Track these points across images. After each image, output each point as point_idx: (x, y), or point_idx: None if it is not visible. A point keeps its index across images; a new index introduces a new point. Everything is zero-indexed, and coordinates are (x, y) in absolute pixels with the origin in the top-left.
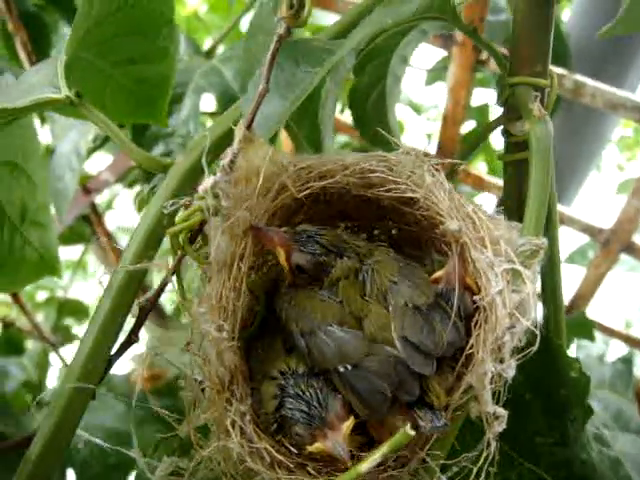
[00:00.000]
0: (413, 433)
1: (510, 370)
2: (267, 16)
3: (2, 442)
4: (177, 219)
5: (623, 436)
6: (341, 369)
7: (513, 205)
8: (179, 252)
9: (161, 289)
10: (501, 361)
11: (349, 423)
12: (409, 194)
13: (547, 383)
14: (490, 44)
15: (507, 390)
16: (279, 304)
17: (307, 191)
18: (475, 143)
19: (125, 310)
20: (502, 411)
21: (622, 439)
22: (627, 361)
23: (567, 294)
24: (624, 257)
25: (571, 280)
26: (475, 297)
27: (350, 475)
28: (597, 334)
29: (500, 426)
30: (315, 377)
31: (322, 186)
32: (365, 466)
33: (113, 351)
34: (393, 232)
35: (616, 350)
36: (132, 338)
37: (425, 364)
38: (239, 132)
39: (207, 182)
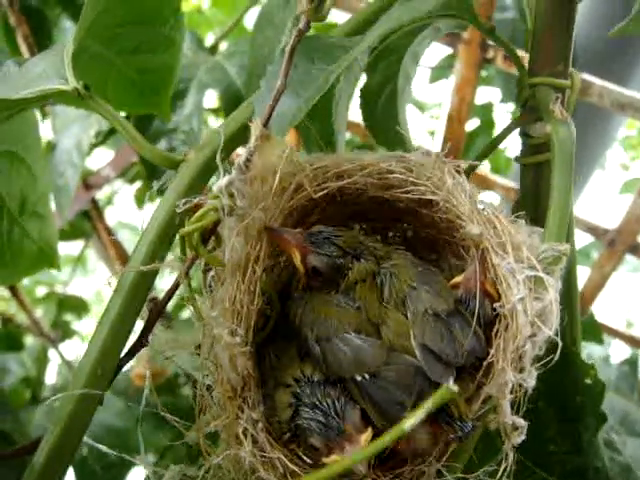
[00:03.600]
0: (456, 389)
1: (530, 380)
2: (276, 10)
3: (7, 447)
4: (191, 219)
5: (632, 441)
6: (358, 378)
7: (530, 208)
8: (191, 253)
9: (172, 291)
10: (521, 370)
11: (367, 435)
12: (429, 196)
13: (562, 390)
14: (508, 43)
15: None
16: (293, 309)
17: (324, 191)
18: (497, 142)
19: (135, 312)
20: (521, 422)
21: (631, 444)
22: (632, 363)
23: None
24: (627, 257)
25: None
26: (496, 304)
27: (395, 433)
28: None
29: (519, 437)
30: (331, 385)
31: (339, 186)
32: (409, 423)
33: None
34: (408, 234)
35: (618, 351)
36: (142, 342)
37: (445, 374)
38: (255, 129)
39: (222, 181)
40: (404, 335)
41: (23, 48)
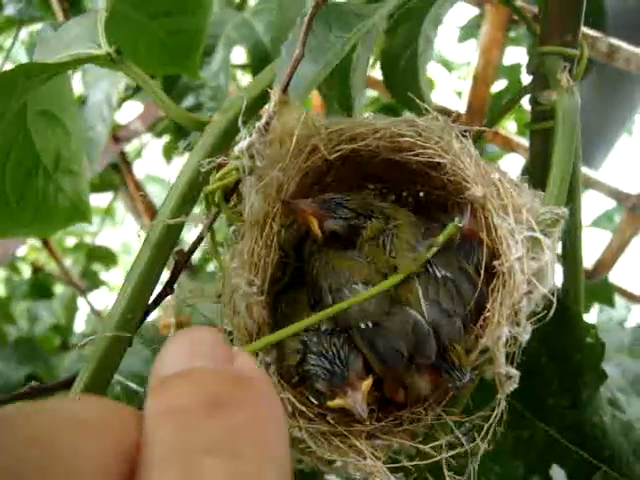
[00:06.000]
0: (461, 225)
1: (525, 334)
2: None
3: (40, 385)
4: (214, 178)
5: (638, 400)
6: (362, 326)
7: (538, 172)
8: (214, 209)
9: (196, 244)
10: (517, 325)
11: (368, 382)
12: (437, 159)
13: (563, 347)
14: (521, 11)
15: (523, 353)
16: (311, 262)
17: (338, 153)
18: (505, 110)
19: (162, 263)
20: (514, 371)
21: (636, 404)
22: None
23: (591, 258)
24: None
25: (596, 244)
26: (495, 262)
27: (419, 259)
28: (619, 299)
29: (512, 386)
30: (337, 335)
31: (352, 148)
32: (427, 255)
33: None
34: (420, 195)
35: (638, 315)
36: (167, 290)
37: (453, 329)
38: (275, 95)
39: (243, 143)
40: (411, 289)
41: (56, 7)
